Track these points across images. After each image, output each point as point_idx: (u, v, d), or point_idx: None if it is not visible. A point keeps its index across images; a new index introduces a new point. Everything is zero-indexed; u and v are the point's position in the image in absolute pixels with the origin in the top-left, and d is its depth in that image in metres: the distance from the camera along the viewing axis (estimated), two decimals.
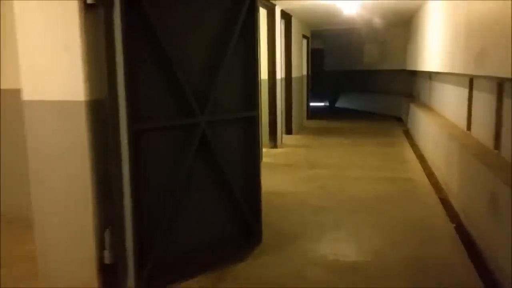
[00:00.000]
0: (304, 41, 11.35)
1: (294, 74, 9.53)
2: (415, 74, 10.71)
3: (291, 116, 9.26)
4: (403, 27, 11.46)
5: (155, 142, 2.79)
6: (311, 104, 13.46)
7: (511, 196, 2.76)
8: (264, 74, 7.54)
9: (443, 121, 6.19)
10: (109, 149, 2.62)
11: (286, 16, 8.70)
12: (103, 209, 2.69)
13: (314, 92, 14.81)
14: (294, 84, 9.45)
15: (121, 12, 2.49)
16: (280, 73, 8.03)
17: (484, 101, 4.28)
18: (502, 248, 2.89)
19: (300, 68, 10.53)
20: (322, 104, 16.50)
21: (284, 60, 8.93)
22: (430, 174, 5.83)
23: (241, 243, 3.39)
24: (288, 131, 9.23)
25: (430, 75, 8.16)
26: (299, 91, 10.31)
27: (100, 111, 2.62)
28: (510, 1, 2.90)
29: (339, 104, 15.73)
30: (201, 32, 3.01)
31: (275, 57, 7.58)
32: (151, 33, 2.68)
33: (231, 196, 3.28)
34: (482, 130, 4.35)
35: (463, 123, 5.18)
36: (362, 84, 14.40)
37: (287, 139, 8.64)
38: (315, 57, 14.36)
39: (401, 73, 12.01)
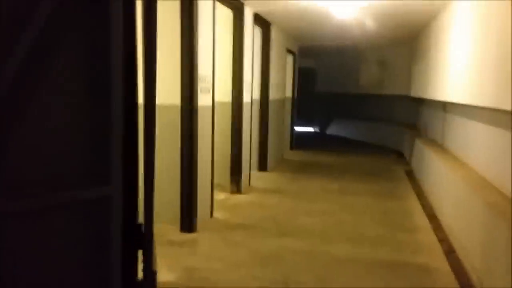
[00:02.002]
0: (290, 57, 9.53)
1: (273, 96, 7.66)
2: (421, 102, 8.89)
3: (266, 148, 7.35)
4: (406, 45, 9.75)
5: None
6: (299, 129, 11.61)
7: None
8: (226, 95, 5.68)
9: (471, 175, 4.30)
10: None
11: (263, 23, 6.89)
12: None
13: (302, 116, 13.00)
14: (272, 108, 7.57)
15: None
16: (250, 95, 6.16)
17: None
18: None
19: (283, 88, 8.67)
20: (311, 129, 14.65)
21: (260, 78, 7.09)
22: (451, 254, 3.92)
23: None
24: (262, 167, 7.31)
25: (445, 106, 6.32)
26: (279, 117, 8.42)
27: None
28: None
29: (330, 130, 13.87)
30: None
31: (242, 74, 5.71)
32: None
33: None
34: None
35: (505, 184, 3.30)
36: (357, 110, 12.58)
37: (259, 178, 6.71)
38: (305, 77, 12.60)
39: (403, 99, 10.21)
